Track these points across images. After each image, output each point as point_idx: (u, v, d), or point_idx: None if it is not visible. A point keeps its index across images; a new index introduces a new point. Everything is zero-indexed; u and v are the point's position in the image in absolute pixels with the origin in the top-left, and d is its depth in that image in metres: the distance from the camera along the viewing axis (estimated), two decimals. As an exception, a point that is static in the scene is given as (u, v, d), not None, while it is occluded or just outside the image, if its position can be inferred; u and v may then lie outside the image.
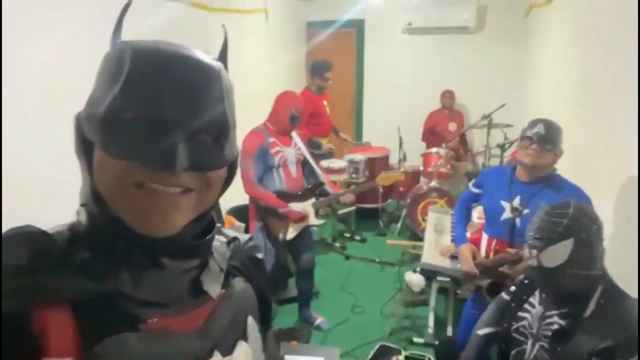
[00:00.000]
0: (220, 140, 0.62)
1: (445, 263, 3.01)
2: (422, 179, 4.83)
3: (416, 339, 3.14)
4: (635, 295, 1.37)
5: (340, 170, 4.38)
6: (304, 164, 3.09)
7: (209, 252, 0.69)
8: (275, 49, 4.94)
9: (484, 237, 2.34)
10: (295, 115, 2.86)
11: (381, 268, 4.16)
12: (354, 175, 4.59)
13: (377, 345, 2.99)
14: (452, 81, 5.40)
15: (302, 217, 2.92)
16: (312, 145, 4.77)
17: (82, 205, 0.63)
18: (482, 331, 1.69)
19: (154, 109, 0.56)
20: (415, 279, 3.70)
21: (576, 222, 1.34)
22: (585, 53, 3.23)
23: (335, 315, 3.43)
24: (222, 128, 0.62)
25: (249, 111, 4.13)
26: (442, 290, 3.42)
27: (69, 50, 2.17)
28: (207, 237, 0.67)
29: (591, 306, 1.36)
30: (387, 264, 4.19)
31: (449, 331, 3.15)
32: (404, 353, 2.90)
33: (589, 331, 1.31)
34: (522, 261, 2.02)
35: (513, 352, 1.55)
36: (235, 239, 0.78)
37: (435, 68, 5.63)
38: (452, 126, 5.21)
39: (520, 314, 1.55)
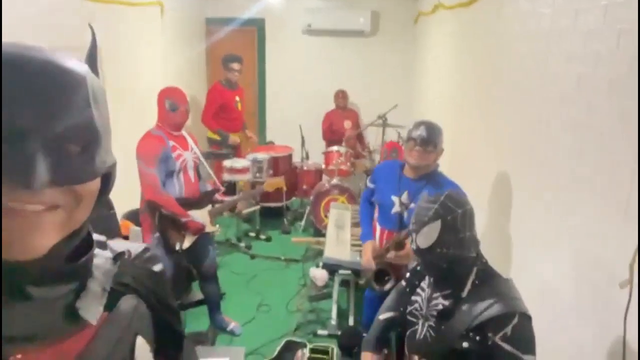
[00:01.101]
0: (89, 149, 0.57)
1: (346, 256, 3.17)
2: (324, 177, 5.00)
3: (320, 331, 3.26)
4: (507, 276, 1.58)
5: (243, 170, 4.37)
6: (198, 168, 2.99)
7: (87, 274, 0.63)
8: (172, 45, 4.77)
9: (377, 228, 2.52)
10: (173, 103, 2.69)
11: (286, 265, 4.24)
12: (257, 175, 4.60)
13: (283, 341, 3.06)
14: (349, 82, 5.64)
15: (200, 229, 2.83)
16: (221, 137, 4.73)
17: None
18: (383, 316, 1.83)
19: (5, 117, 0.50)
20: (319, 274, 3.81)
21: (444, 207, 1.51)
22: (462, 60, 3.59)
23: (241, 315, 3.43)
24: (91, 136, 0.56)
25: (144, 112, 3.98)
26: (343, 283, 3.57)
27: None
28: (81, 260, 0.61)
29: (468, 287, 1.54)
30: (292, 261, 4.28)
31: (351, 321, 3.32)
32: (309, 346, 2.99)
33: (467, 309, 1.48)
34: (404, 244, 2.22)
35: (408, 332, 1.70)
36: (122, 253, 0.71)
37: (334, 69, 5.84)
38: (347, 124, 5.46)
39: (413, 297, 1.71)
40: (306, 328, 3.34)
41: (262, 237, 4.76)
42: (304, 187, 5.08)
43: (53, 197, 0.53)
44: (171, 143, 2.73)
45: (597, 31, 1.63)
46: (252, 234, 4.80)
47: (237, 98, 4.92)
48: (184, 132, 2.88)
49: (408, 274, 1.79)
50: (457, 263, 1.52)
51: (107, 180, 0.62)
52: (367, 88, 5.77)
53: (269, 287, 3.85)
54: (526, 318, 1.44)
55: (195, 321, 3.30)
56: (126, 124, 2.92)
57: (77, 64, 0.57)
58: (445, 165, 2.76)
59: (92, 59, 0.64)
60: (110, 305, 0.65)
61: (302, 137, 4.96)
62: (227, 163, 4.31)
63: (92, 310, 0.61)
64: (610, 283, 1.44)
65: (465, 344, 1.46)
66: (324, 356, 2.93)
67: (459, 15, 3.63)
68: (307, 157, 5.19)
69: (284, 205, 5.00)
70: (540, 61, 2.08)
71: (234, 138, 4.84)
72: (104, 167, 0.60)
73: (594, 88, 1.63)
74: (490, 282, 1.53)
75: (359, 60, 5.83)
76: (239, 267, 4.18)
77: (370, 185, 2.63)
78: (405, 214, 2.31)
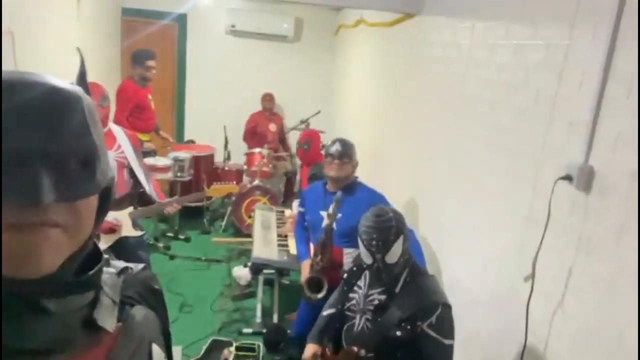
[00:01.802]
0: (90, 165, 0.59)
1: (273, 255, 3.28)
2: (245, 178, 5.04)
3: (245, 330, 3.33)
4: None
5: (165, 169, 4.27)
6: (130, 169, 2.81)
7: (99, 286, 0.65)
8: (87, 35, 4.49)
9: (312, 247, 2.68)
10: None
11: (208, 266, 4.22)
12: (179, 174, 4.52)
13: (209, 341, 3.08)
14: (273, 85, 5.73)
15: (114, 229, 2.66)
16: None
17: None
18: (326, 312, 2.00)
19: (8, 140, 0.52)
20: (242, 274, 3.87)
21: (398, 222, 1.74)
22: (382, 75, 3.89)
23: (163, 317, 3.37)
24: (91, 152, 0.59)
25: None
26: (267, 282, 3.67)
27: None
28: (92, 272, 0.63)
29: (400, 283, 1.75)
30: (214, 261, 4.27)
31: (275, 318, 3.42)
32: (234, 344, 3.05)
33: (400, 303, 1.70)
34: (327, 247, 2.39)
35: (345, 327, 1.87)
36: (126, 268, 0.74)
37: (258, 71, 5.89)
38: (273, 127, 5.54)
39: (350, 295, 1.88)
40: (231, 327, 3.38)
41: (181, 237, 4.68)
42: (225, 187, 5.08)
43: (57, 214, 0.55)
44: None
45: (508, 65, 1.93)
46: (171, 234, 4.69)
47: (150, 96, 4.54)
48: (112, 129, 2.75)
49: (345, 275, 1.97)
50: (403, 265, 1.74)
51: (107, 194, 0.65)
52: (290, 93, 5.90)
53: (190, 288, 3.81)
54: (447, 307, 1.69)
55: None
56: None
57: (71, 87, 0.61)
58: (365, 172, 3.00)
59: (82, 80, 0.68)
60: (122, 318, 0.67)
61: (226, 138, 4.96)
62: (148, 161, 4.16)
63: (107, 320, 0.64)
64: (514, 278, 1.73)
65: (398, 333, 1.68)
66: (251, 353, 3.01)
67: (381, 32, 3.92)
68: (229, 158, 5.20)
69: (204, 205, 4.95)
70: (458, 83, 2.38)
71: (148, 144, 4.49)
72: (105, 180, 0.62)
73: (504, 112, 1.94)
74: (418, 278, 1.78)
75: (282, 64, 5.94)
76: (158, 267, 4.05)
77: (300, 209, 2.83)
78: (335, 225, 2.45)
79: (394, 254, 1.70)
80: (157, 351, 0.71)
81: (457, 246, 2.27)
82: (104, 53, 5.04)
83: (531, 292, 1.59)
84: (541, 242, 1.54)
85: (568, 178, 1.48)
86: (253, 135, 5.50)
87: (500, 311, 1.85)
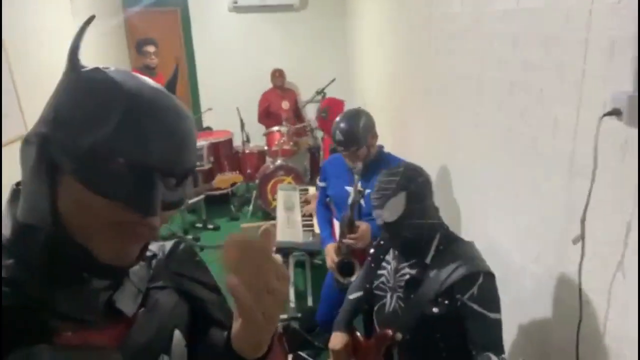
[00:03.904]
0: (184, 181, 0.65)
1: (298, 237, 3.11)
2: (268, 159, 4.88)
3: (281, 316, 3.19)
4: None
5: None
6: None
7: (125, 274, 0.69)
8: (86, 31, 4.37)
9: (336, 224, 2.46)
10: None
11: (238, 253, 4.11)
12: (197, 163, 4.38)
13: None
14: (282, 59, 5.48)
15: None
16: None
17: (26, 224, 0.62)
18: (352, 295, 1.80)
19: (144, 156, 0.58)
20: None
21: (406, 177, 1.51)
22: (397, 30, 3.56)
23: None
24: (193, 171, 0.66)
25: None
26: (299, 264, 3.53)
27: None
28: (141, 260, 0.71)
29: (431, 252, 1.53)
30: (243, 248, 4.16)
31: (310, 301, 3.28)
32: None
33: (434, 275, 1.48)
34: (355, 225, 2.18)
35: (375, 307, 1.67)
36: (154, 256, 0.78)
37: (265, 47, 5.63)
38: (285, 104, 5.32)
39: (379, 272, 1.68)
40: (265, 314, 3.26)
41: (210, 226, 4.60)
42: (248, 170, 4.94)
43: (156, 220, 0.62)
44: None
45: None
46: (199, 225, 4.61)
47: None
48: None
49: (372, 250, 1.77)
50: (423, 231, 1.52)
51: None
52: (303, 64, 5.63)
53: (223, 278, 3.71)
54: (490, 277, 1.46)
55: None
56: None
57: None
58: (388, 138, 2.73)
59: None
60: (146, 302, 0.72)
61: (241, 120, 4.78)
62: (224, 175, 4.06)
63: (128, 304, 0.67)
64: (562, 241, 1.47)
65: (435, 309, 1.46)
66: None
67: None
68: (248, 140, 5.03)
69: (229, 191, 4.84)
70: (475, 25, 2.06)
71: None
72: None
73: (532, 44, 1.63)
74: (453, 246, 1.54)
75: (291, 36, 5.66)
76: (188, 261, 4.01)
77: (321, 184, 2.55)
78: (363, 202, 2.25)
79: (392, 210, 1.49)
80: (177, 337, 0.74)
81: (494, 209, 2.00)
82: (109, 48, 4.93)
83: (582, 255, 1.33)
84: (589, 195, 1.27)
85: (616, 113, 1.19)
86: (267, 115, 5.31)
87: (550, 279, 1.58)
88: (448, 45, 2.42)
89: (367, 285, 1.70)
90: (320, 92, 4.70)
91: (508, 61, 1.78)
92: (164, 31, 5.42)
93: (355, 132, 2.16)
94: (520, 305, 1.77)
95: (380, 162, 2.24)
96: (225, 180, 3.38)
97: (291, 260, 3.42)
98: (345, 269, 2.21)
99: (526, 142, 1.68)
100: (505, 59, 1.80)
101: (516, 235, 1.81)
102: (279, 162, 4.58)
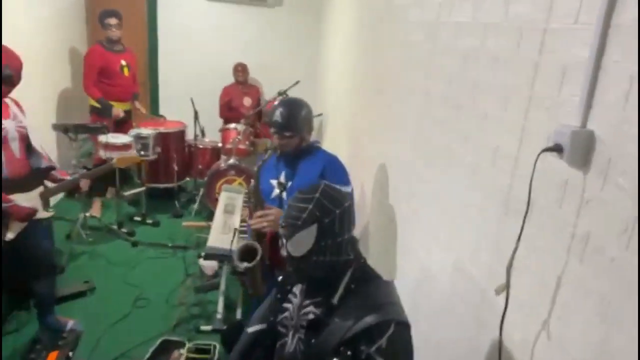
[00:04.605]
0: None
1: (231, 245, 2.87)
2: (222, 156, 4.63)
3: (204, 327, 2.95)
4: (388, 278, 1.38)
5: (124, 147, 3.85)
6: (27, 142, 2.49)
7: None
8: (35, 3, 4.04)
9: None
10: (9, 74, 2.26)
11: (174, 253, 3.84)
12: (142, 152, 4.11)
13: (159, 341, 2.71)
14: (249, 55, 5.25)
15: (31, 214, 2.38)
16: (102, 106, 4.16)
17: None
18: (251, 329, 1.54)
19: None
20: (207, 262, 3.49)
21: (319, 207, 1.26)
22: (359, 40, 3.39)
23: (113, 313, 3.01)
24: None
25: None
26: (235, 272, 3.29)
27: None
28: None
29: (340, 292, 1.30)
30: (180, 248, 3.89)
31: (239, 314, 3.05)
32: (187, 345, 2.68)
33: (339, 319, 1.25)
34: (262, 204, 2.04)
35: (277, 345, 1.45)
36: None
37: (234, 39, 5.39)
38: (247, 101, 5.09)
39: (285, 305, 1.45)
40: (188, 324, 3.01)
41: (149, 221, 4.30)
42: (199, 166, 4.67)
43: None
44: None
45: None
46: (138, 219, 4.31)
47: (124, 62, 4.35)
48: (6, 100, 2.38)
49: (280, 277, 1.54)
50: (333, 269, 1.30)
51: None
52: (270, 62, 5.41)
53: (150, 279, 3.45)
54: (403, 327, 1.25)
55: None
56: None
57: None
58: (343, 144, 2.55)
59: None
60: None
61: (195, 112, 4.51)
62: (102, 139, 3.76)
63: None
64: (489, 281, 1.30)
65: None
66: (204, 355, 2.65)
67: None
68: (203, 135, 4.77)
69: (174, 186, 4.56)
70: (429, 37, 1.90)
71: (117, 110, 4.27)
72: None
73: (480, 61, 1.47)
74: (366, 286, 1.31)
75: (262, 32, 5.42)
76: (117, 256, 3.71)
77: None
78: (285, 195, 2.09)
79: (301, 244, 1.26)
80: None
81: (427, 232, 1.83)
82: (67, 21, 4.60)
83: (506, 306, 1.16)
84: (518, 240, 1.10)
85: (557, 149, 1.03)
86: (229, 110, 5.07)
87: (473, 323, 1.42)
88: (403, 55, 2.26)
89: (272, 318, 1.48)
90: (283, 93, 4.48)
91: (457, 79, 1.62)
92: (128, 9, 5.11)
93: (295, 119, 2.04)
94: (443, 345, 1.60)
95: (309, 154, 2.12)
96: (125, 159, 3.18)
97: (225, 267, 3.19)
98: (246, 254, 1.93)
99: (466, 167, 1.52)
100: (454, 76, 1.64)
101: (446, 268, 1.64)
102: (231, 161, 4.33)
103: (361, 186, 2.89)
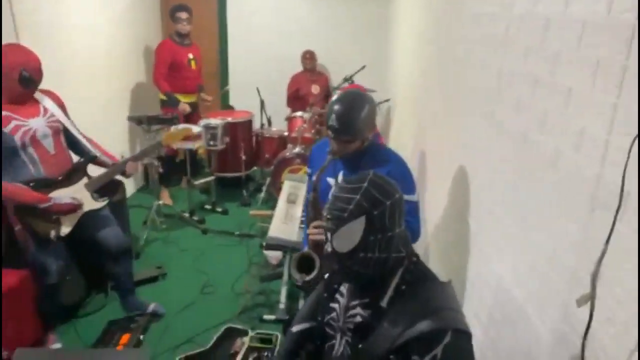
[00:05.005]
0: None
1: (292, 235, 2.83)
2: (289, 145, 4.61)
3: (267, 316, 2.95)
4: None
5: (194, 137, 3.95)
6: (67, 134, 2.47)
7: None
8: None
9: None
10: (26, 76, 2.20)
11: (240, 241, 3.90)
12: (211, 142, 4.20)
13: (223, 328, 2.75)
14: (316, 41, 5.16)
15: (75, 208, 2.38)
16: (169, 99, 4.32)
17: None
18: (296, 327, 1.47)
19: None
20: (272, 252, 3.49)
21: (368, 197, 1.13)
22: (430, 24, 3.16)
23: (182, 299, 3.11)
24: None
25: (77, 75, 3.52)
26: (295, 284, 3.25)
27: None
28: None
29: (389, 293, 1.18)
30: (247, 237, 3.94)
31: (301, 304, 3.01)
32: (250, 334, 2.69)
33: (388, 324, 1.13)
34: (320, 212, 1.88)
35: (326, 346, 1.36)
36: None
37: (299, 27, 5.32)
38: (315, 89, 5.01)
39: (331, 304, 1.35)
40: (252, 312, 3.03)
41: (219, 209, 4.40)
42: (266, 155, 4.70)
43: None
44: (2, 114, 2.19)
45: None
46: (208, 207, 4.43)
47: (191, 55, 4.50)
48: (37, 95, 2.37)
49: (327, 276, 1.44)
50: (382, 268, 1.17)
51: None
52: (338, 48, 5.29)
53: (217, 266, 3.52)
54: (462, 336, 1.10)
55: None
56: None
57: None
58: (409, 130, 2.38)
59: None
60: None
61: (262, 101, 4.53)
62: (172, 130, 3.87)
63: None
64: (570, 290, 1.11)
65: None
66: (267, 345, 2.64)
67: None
68: (270, 124, 4.78)
69: (242, 175, 4.63)
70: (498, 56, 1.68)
71: (183, 106, 4.41)
72: None
73: (562, 31, 1.25)
74: (419, 287, 1.18)
75: (329, 18, 5.30)
76: (187, 243, 3.84)
77: (309, 171, 2.19)
78: None
79: (347, 239, 1.13)
80: None
81: (497, 233, 1.63)
82: (142, 14, 4.80)
83: (590, 320, 0.97)
84: (607, 241, 0.91)
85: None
86: (296, 99, 5.04)
87: (552, 336, 1.22)
88: (473, 31, 2.04)
89: (319, 318, 1.38)
90: (349, 79, 4.37)
91: (535, 51, 1.40)
92: (199, 4, 5.23)
93: (354, 122, 1.78)
94: (511, 349, 1.42)
95: (371, 154, 1.89)
96: (174, 135, 2.85)
97: (288, 257, 3.16)
98: (305, 264, 1.85)
99: (544, 154, 1.31)
100: (532, 48, 1.42)
101: (519, 270, 1.44)
102: (297, 149, 4.31)
103: (425, 179, 2.70)
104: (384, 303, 1.17)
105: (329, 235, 1.18)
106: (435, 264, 2.33)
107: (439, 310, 1.11)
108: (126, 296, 2.86)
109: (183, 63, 4.42)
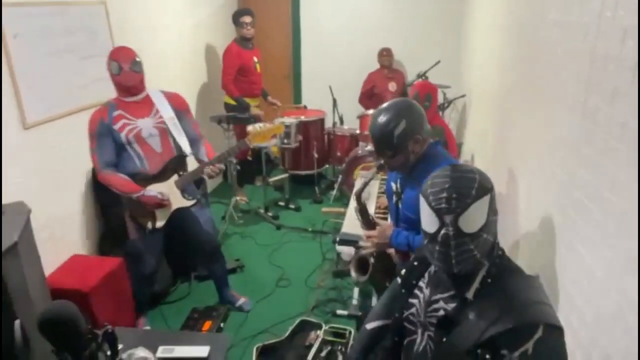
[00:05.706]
0: None
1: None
2: (361, 143, 4.63)
3: (340, 311, 2.99)
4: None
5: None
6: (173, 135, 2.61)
7: None
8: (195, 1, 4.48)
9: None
10: (116, 65, 2.36)
11: (313, 237, 3.97)
12: (285, 141, 4.32)
13: (298, 321, 2.83)
14: (389, 38, 5.11)
15: (159, 203, 2.50)
16: (239, 104, 4.41)
17: None
18: (370, 325, 1.47)
19: None
20: (345, 248, 3.52)
21: (484, 178, 1.14)
22: (506, 30, 3.02)
23: (259, 290, 3.24)
24: None
25: (159, 72, 3.76)
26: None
27: None
28: None
29: (475, 285, 1.16)
30: (320, 233, 4.01)
31: (374, 301, 3.01)
32: (324, 327, 2.74)
33: (475, 317, 1.11)
34: (372, 221, 1.98)
35: (405, 342, 1.36)
36: None
37: (372, 24, 5.29)
38: (392, 86, 4.95)
39: (410, 300, 1.34)
40: (325, 307, 3.08)
41: (292, 206, 4.52)
42: (338, 153, 4.75)
43: None
44: (115, 113, 2.42)
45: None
46: (282, 203, 4.56)
47: (256, 59, 4.49)
48: (150, 94, 2.54)
49: (404, 271, 1.42)
50: (490, 253, 1.16)
51: None
52: (411, 45, 5.19)
53: (291, 261, 3.62)
54: (555, 331, 1.05)
55: (206, 295, 3.15)
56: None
57: None
58: (490, 135, 2.30)
59: None
60: None
61: (334, 99, 4.58)
62: (249, 128, 4.02)
63: None
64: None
65: None
66: (340, 339, 2.68)
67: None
68: (342, 122, 4.82)
69: (315, 173, 4.71)
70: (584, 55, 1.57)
71: (254, 110, 4.47)
72: None
73: None
74: (506, 280, 1.15)
75: (402, 14, 5.20)
76: (263, 238, 3.98)
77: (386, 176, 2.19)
78: (400, 205, 1.86)
79: (473, 219, 1.09)
80: None
81: (590, 224, 1.53)
82: (220, 19, 5.02)
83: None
84: None
85: None
86: (370, 97, 5.02)
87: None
88: (561, 17, 1.92)
89: (396, 314, 1.36)
90: (422, 75, 4.29)
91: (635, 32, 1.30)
92: (272, 3, 5.39)
93: (388, 138, 1.70)
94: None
95: (428, 162, 1.75)
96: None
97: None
98: (362, 266, 1.96)
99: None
100: (631, 28, 1.32)
101: (613, 263, 1.34)
102: (369, 147, 4.31)
103: (508, 171, 2.59)
104: (470, 295, 1.15)
105: (449, 218, 1.11)
106: (524, 261, 2.22)
107: (529, 303, 1.07)
108: (222, 289, 3.04)
109: (250, 67, 4.42)
